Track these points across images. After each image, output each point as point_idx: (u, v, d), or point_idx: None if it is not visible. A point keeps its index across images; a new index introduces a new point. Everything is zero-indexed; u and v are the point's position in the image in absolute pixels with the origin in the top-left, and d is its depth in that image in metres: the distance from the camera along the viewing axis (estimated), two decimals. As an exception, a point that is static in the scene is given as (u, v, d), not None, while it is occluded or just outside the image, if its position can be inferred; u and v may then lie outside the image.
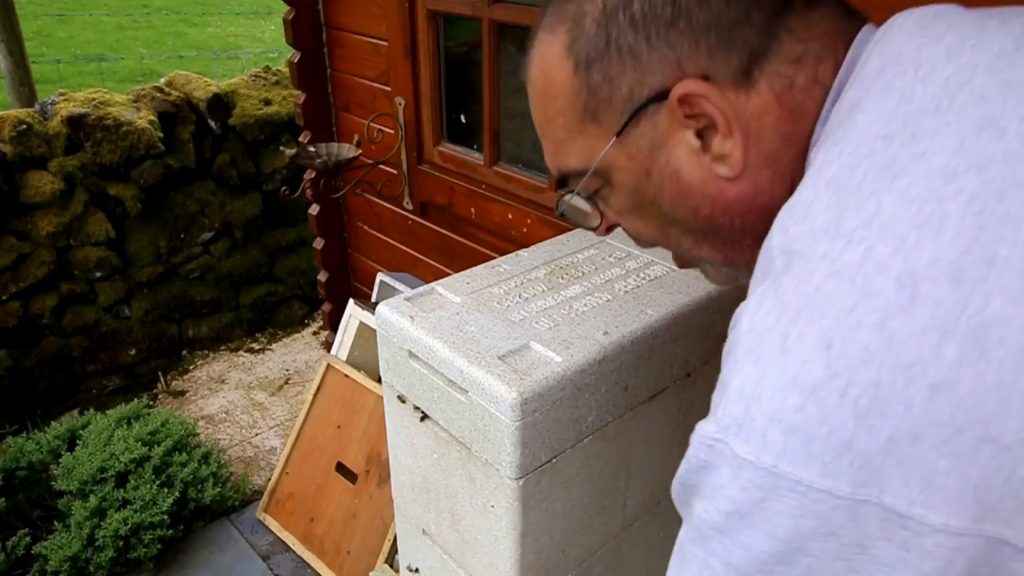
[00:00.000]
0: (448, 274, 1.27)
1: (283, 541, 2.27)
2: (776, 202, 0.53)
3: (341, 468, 2.20)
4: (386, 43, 2.08)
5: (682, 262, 0.70)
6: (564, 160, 0.65)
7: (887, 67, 0.51)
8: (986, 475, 0.40)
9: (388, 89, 2.14)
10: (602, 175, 0.62)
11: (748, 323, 0.47)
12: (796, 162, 0.56)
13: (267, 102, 3.29)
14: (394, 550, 1.95)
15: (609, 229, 0.69)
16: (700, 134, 0.56)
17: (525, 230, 1.84)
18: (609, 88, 0.57)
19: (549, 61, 0.60)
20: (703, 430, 0.49)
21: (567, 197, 0.67)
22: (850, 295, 0.43)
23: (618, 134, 0.58)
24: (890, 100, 0.49)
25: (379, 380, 1.41)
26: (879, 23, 0.57)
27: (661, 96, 0.56)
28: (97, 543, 2.10)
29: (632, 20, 0.55)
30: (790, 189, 0.53)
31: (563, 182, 0.66)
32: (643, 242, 0.68)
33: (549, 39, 0.60)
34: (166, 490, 2.22)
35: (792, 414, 0.43)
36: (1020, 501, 0.40)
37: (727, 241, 0.61)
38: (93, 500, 2.15)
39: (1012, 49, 0.47)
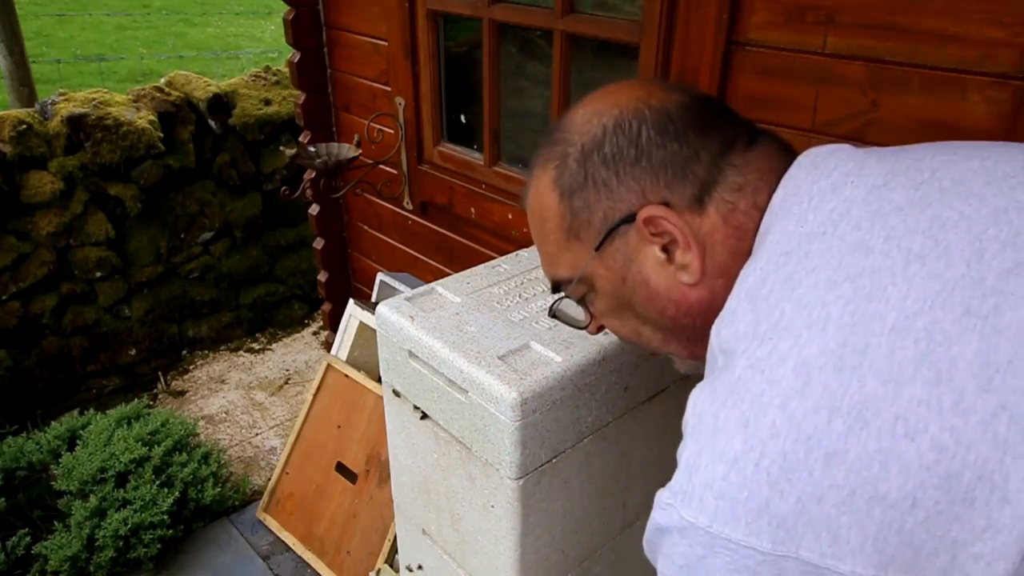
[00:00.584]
0: (448, 274, 1.27)
1: (283, 541, 2.27)
2: None
3: (341, 468, 2.20)
4: (386, 43, 2.08)
5: (652, 355, 0.83)
6: (555, 270, 0.76)
7: (788, 198, 0.62)
8: (880, 529, 0.47)
9: (388, 89, 2.14)
10: (586, 282, 0.73)
11: (691, 407, 0.57)
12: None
13: (267, 102, 3.29)
14: (394, 550, 1.95)
15: (599, 329, 0.80)
16: (665, 249, 0.67)
17: (525, 230, 1.84)
18: (588, 212, 0.69)
19: (541, 191, 0.72)
20: (660, 496, 0.56)
21: (558, 302, 0.81)
22: (760, 383, 0.53)
23: (597, 248, 0.70)
24: (790, 224, 0.60)
25: (379, 380, 1.41)
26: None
27: (630, 219, 0.67)
28: (97, 543, 2.10)
29: (604, 160, 0.67)
30: None
31: (556, 288, 0.77)
32: (622, 339, 0.78)
33: (541, 173, 0.72)
34: (166, 490, 2.22)
35: (720, 481, 0.51)
36: (915, 550, 0.47)
37: (690, 338, 0.71)
38: (93, 500, 2.15)
39: (881, 184, 0.59)
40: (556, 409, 0.98)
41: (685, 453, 0.55)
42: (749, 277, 0.60)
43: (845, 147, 0.66)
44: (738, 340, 0.57)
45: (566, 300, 0.79)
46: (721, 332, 0.60)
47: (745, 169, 0.66)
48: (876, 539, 0.47)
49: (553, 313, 0.82)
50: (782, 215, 0.61)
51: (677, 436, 1.29)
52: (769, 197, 0.64)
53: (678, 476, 0.55)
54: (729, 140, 0.68)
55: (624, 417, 1.11)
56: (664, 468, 1.27)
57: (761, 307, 0.57)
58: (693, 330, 0.70)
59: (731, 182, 0.66)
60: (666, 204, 0.66)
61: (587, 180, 0.68)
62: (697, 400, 0.57)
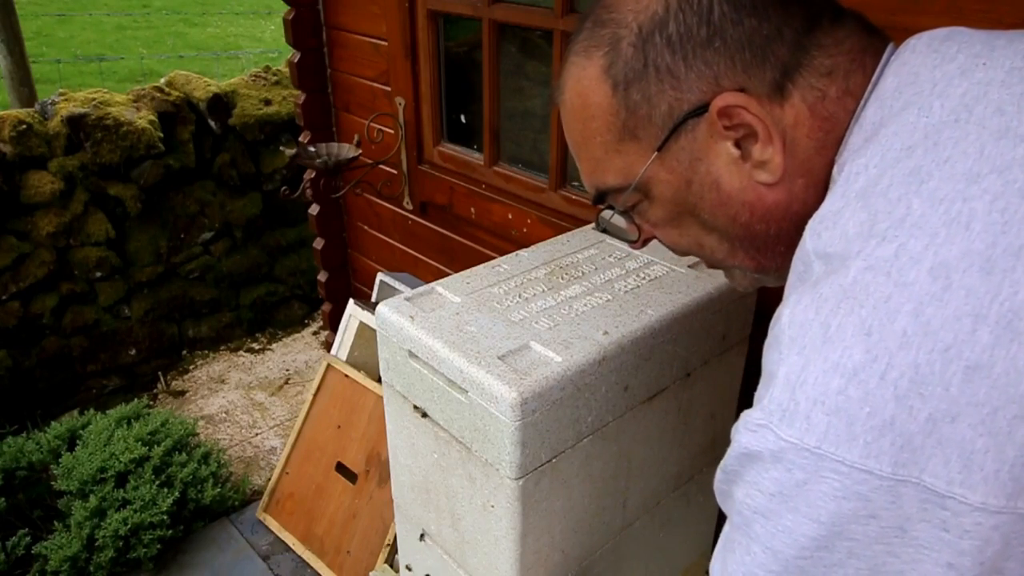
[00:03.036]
0: (448, 274, 1.27)
1: (283, 541, 2.27)
2: (808, 209, 0.57)
3: (341, 468, 2.20)
4: (386, 43, 2.08)
5: (713, 267, 0.73)
6: (602, 178, 0.67)
7: (904, 87, 0.55)
8: (1021, 453, 0.42)
9: (388, 89, 2.14)
10: (641, 190, 0.65)
11: (789, 318, 0.50)
12: (825, 171, 0.59)
13: (267, 102, 3.29)
14: (394, 550, 1.95)
15: (645, 242, 0.72)
16: (739, 144, 0.59)
17: (525, 230, 1.84)
18: (648, 107, 0.60)
19: (586, 84, 0.63)
20: (748, 417, 0.51)
21: (606, 214, 0.72)
22: (885, 286, 0.46)
23: (659, 149, 0.61)
24: (910, 115, 0.53)
25: (379, 380, 1.41)
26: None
27: (700, 110, 0.58)
28: (97, 543, 2.10)
29: (669, 42, 0.58)
30: (820, 197, 0.56)
31: (600, 198, 0.69)
32: (678, 251, 0.71)
33: (584, 63, 0.63)
34: (166, 490, 2.22)
35: (835, 396, 0.46)
36: None
37: (761, 248, 0.64)
38: (93, 500, 2.15)
39: (1022, 65, 0.52)
40: (556, 409, 0.98)
41: (782, 369, 0.49)
42: (859, 175, 0.52)
43: (964, 29, 0.59)
44: (848, 241, 0.50)
45: (614, 212, 0.70)
46: (822, 235, 0.52)
47: (834, 50, 0.58)
48: (1015, 465, 0.42)
49: (602, 227, 0.74)
50: (899, 107, 0.54)
51: (677, 436, 1.30)
52: (865, 83, 0.57)
53: (774, 394, 0.49)
54: (814, 15, 0.58)
55: (624, 417, 1.11)
56: (664, 468, 1.27)
57: (878, 204, 0.50)
58: (765, 238, 0.63)
59: (819, 65, 0.57)
60: (743, 91, 0.57)
61: (647, 68, 0.59)
62: (795, 310, 0.50)
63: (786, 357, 0.49)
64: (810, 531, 0.47)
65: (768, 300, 1.37)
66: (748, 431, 0.50)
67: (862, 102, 0.57)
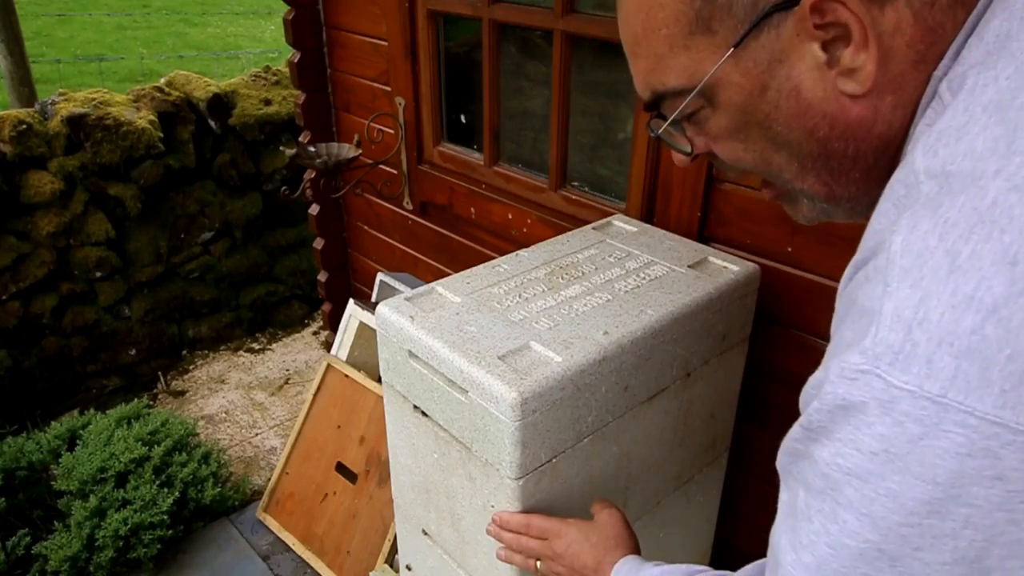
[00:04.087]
0: (448, 274, 1.27)
1: (283, 541, 2.27)
2: (893, 133, 0.52)
3: (341, 468, 2.20)
4: (386, 43, 2.08)
5: (775, 194, 0.65)
6: (661, 78, 0.59)
7: None
8: None
9: (388, 89, 2.14)
10: (706, 94, 0.58)
11: (902, 245, 0.43)
12: (918, 91, 0.52)
13: (267, 102, 3.29)
14: (394, 550, 1.95)
15: (698, 157, 0.64)
16: (825, 47, 0.52)
17: (525, 230, 1.84)
18: None
19: None
20: (845, 362, 0.44)
21: (656, 123, 0.62)
22: None
23: (735, 46, 0.54)
24: None
25: (379, 380, 1.41)
26: None
27: (790, 3, 0.51)
28: (97, 543, 2.10)
29: None
30: (907, 121, 0.51)
31: (655, 104, 0.61)
32: (739, 167, 0.62)
33: None
34: (166, 490, 2.22)
35: (967, 336, 0.39)
36: None
37: (836, 171, 0.57)
38: (93, 500, 2.15)
39: None
40: (556, 409, 0.98)
41: (889, 304, 0.42)
42: (987, 88, 0.46)
43: None
44: (979, 159, 0.44)
45: (669, 121, 0.61)
46: (939, 152, 0.46)
47: None
48: None
49: (657, 136, 0.63)
50: None
51: (678, 436, 1.29)
52: None
53: (880, 334, 0.42)
54: None
55: (624, 417, 1.11)
56: (664, 468, 1.27)
57: (1018, 120, 0.43)
58: (842, 159, 0.55)
59: None
60: None
61: None
62: (911, 236, 0.43)
63: (896, 290, 0.42)
64: (922, 494, 0.41)
65: (768, 300, 1.37)
66: (844, 379, 0.43)
67: (976, 12, 0.50)
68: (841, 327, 0.48)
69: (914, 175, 0.47)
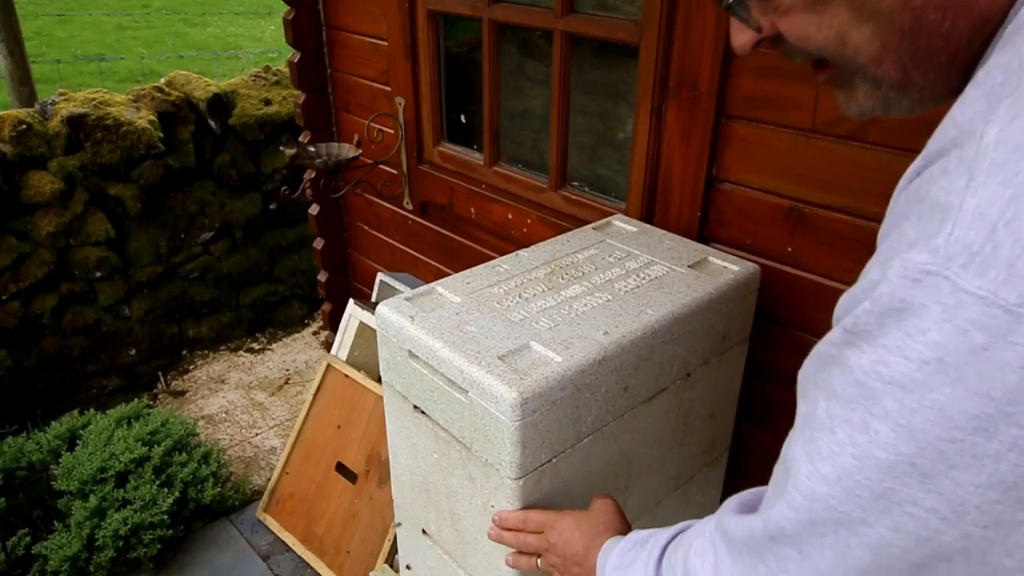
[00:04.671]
0: (448, 274, 1.27)
1: (283, 541, 2.27)
2: (995, 11, 0.46)
3: (341, 468, 2.20)
4: (386, 43, 2.08)
5: (830, 76, 0.57)
6: None
7: None
8: None
9: (388, 89, 2.14)
10: None
11: (998, 136, 0.39)
12: None
13: (267, 102, 3.29)
14: (394, 550, 1.95)
15: (755, 40, 0.57)
16: None
17: (525, 230, 1.84)
18: None
19: None
20: (909, 261, 0.40)
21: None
22: None
23: None
24: None
25: (379, 380, 1.41)
26: None
27: None
28: (97, 543, 2.10)
29: None
30: (1012, 1, 0.46)
31: None
32: (807, 48, 0.55)
33: None
34: (166, 490, 2.22)
35: None
36: None
37: (920, 52, 0.50)
38: (93, 500, 2.15)
39: None
40: (556, 409, 0.98)
41: (971, 200, 0.38)
42: None
43: None
44: None
45: None
46: None
47: None
48: None
49: (728, 4, 0.56)
50: None
51: (677, 436, 1.29)
52: None
53: (955, 231, 0.38)
54: None
55: (624, 417, 1.11)
56: (664, 468, 1.27)
57: None
58: (933, 37, 0.49)
59: None
60: None
61: None
62: (1009, 127, 0.39)
63: (983, 185, 0.38)
64: (972, 409, 0.38)
65: (768, 300, 1.37)
66: (906, 280, 0.39)
67: None
68: (902, 226, 0.43)
69: (1019, 61, 0.41)
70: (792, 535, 0.48)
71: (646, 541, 0.74)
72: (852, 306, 0.44)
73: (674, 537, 0.70)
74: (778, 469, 0.51)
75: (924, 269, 0.39)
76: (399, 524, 1.32)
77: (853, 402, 0.43)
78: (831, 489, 0.44)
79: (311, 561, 2.18)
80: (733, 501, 0.62)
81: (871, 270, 0.44)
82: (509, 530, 0.99)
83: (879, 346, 0.41)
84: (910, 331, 0.40)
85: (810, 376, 0.49)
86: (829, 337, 0.46)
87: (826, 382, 0.46)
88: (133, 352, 3.17)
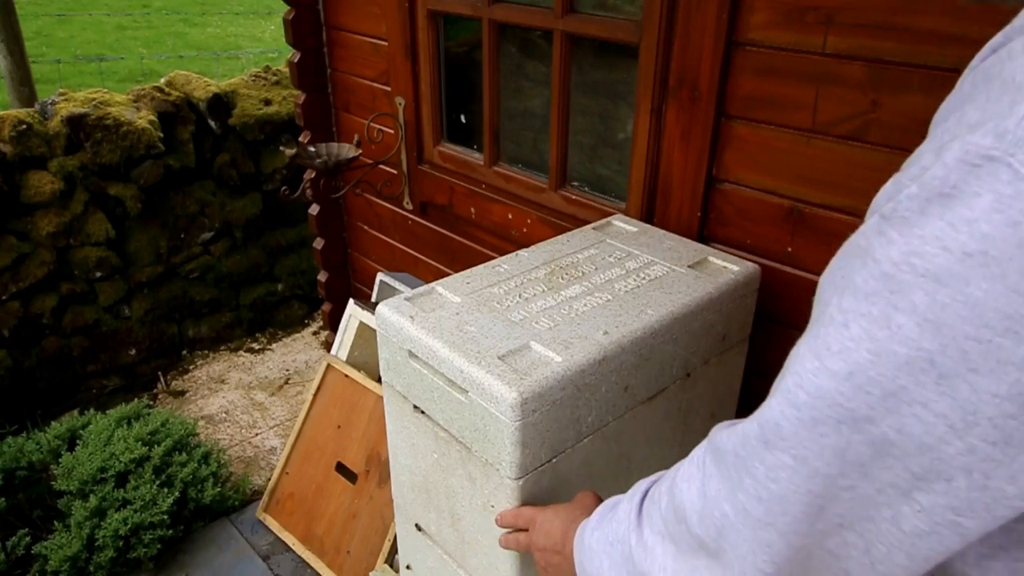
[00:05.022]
0: (448, 274, 1.27)
1: (283, 541, 2.27)
2: None
3: (341, 468, 2.20)
4: (386, 43, 2.08)
5: None
6: None
7: None
8: None
9: (388, 89, 2.14)
10: None
11: None
12: None
13: (267, 102, 3.29)
14: (394, 550, 1.95)
15: None
16: None
17: (525, 230, 1.84)
18: None
19: None
20: (970, 144, 0.37)
21: None
22: None
23: None
24: None
25: (379, 380, 1.41)
26: None
27: None
28: (97, 543, 2.10)
29: None
30: None
31: None
32: None
33: None
34: (166, 490, 2.22)
35: None
36: None
37: None
38: (93, 500, 2.15)
39: None
40: (556, 409, 0.98)
41: None
42: None
43: None
44: None
45: None
46: None
47: None
48: None
49: None
50: None
51: (677, 436, 1.29)
52: None
53: None
54: None
55: (624, 417, 1.11)
56: (664, 468, 1.27)
57: None
58: None
59: None
60: None
61: None
62: None
63: None
64: (1008, 308, 0.36)
65: (768, 300, 1.37)
66: (964, 164, 0.37)
67: None
68: (964, 108, 0.41)
69: None
70: (789, 436, 0.46)
71: (622, 497, 0.73)
72: (895, 193, 0.41)
73: (657, 480, 0.69)
74: (778, 382, 0.50)
75: (986, 154, 0.36)
76: (419, 527, 1.32)
77: (875, 295, 0.41)
78: (840, 386, 0.42)
79: (311, 561, 2.18)
80: (724, 422, 0.61)
81: (922, 156, 0.41)
82: (507, 528, 0.99)
83: (915, 236, 0.39)
84: (954, 221, 0.37)
85: (831, 275, 0.46)
86: (860, 229, 0.44)
87: (846, 278, 0.44)
88: (133, 352, 3.17)
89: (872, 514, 0.44)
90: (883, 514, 0.44)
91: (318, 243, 2.64)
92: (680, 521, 0.57)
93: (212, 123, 3.16)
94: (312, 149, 2.06)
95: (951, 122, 0.42)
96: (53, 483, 2.29)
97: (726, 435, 0.54)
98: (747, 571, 0.50)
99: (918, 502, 0.42)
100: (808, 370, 0.44)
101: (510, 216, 1.88)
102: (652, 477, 0.71)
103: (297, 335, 3.55)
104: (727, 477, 0.52)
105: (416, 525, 1.26)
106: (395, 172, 2.21)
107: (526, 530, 0.95)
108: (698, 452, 0.60)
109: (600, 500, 0.90)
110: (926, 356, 0.39)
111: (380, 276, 2.31)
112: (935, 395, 0.39)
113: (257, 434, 2.85)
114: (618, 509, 0.71)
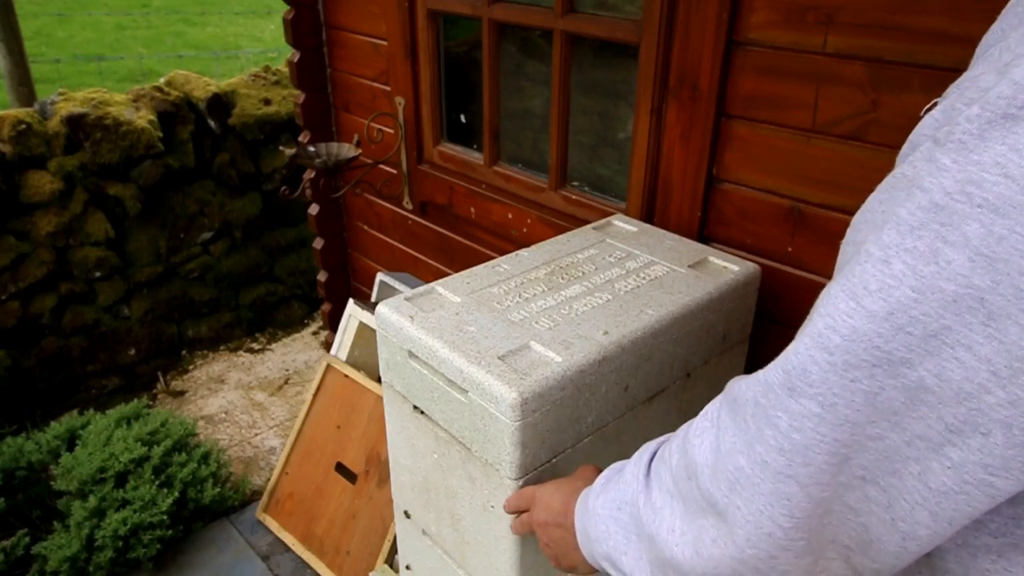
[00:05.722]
0: (448, 274, 1.27)
1: (283, 541, 2.27)
2: None
3: (341, 468, 2.20)
4: (386, 43, 2.08)
5: None
6: None
7: None
8: None
9: (388, 89, 2.14)
10: None
11: None
12: None
13: (267, 102, 3.29)
14: (394, 550, 1.95)
15: None
16: None
17: (525, 230, 1.84)
18: None
19: None
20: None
21: None
22: None
23: None
24: None
25: (379, 380, 1.41)
26: None
27: None
28: (96, 543, 2.10)
29: None
30: None
31: None
32: None
33: None
34: (166, 490, 2.22)
35: None
36: None
37: None
38: (92, 500, 2.15)
39: None
40: (556, 409, 0.98)
41: None
42: None
43: None
44: None
45: None
46: None
47: None
48: None
49: None
50: None
51: (677, 436, 1.28)
52: None
53: None
54: None
55: (624, 417, 1.11)
56: (664, 468, 1.27)
57: None
58: None
59: None
60: None
61: None
62: None
63: None
64: None
65: (769, 300, 1.37)
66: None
67: None
68: (1016, 32, 0.38)
69: None
70: (818, 382, 0.42)
71: (628, 461, 0.70)
72: (946, 119, 0.38)
73: (666, 441, 0.66)
74: (800, 332, 0.47)
75: None
76: (407, 515, 1.32)
77: (922, 228, 0.38)
78: (878, 327, 0.39)
79: (311, 561, 2.18)
80: (739, 376, 0.58)
81: (981, 78, 0.38)
82: (512, 513, 0.97)
83: (972, 162, 0.36)
84: (1019, 145, 0.34)
85: (869, 212, 0.43)
86: (908, 159, 0.40)
87: (887, 211, 0.41)
88: (132, 352, 3.17)
89: (898, 468, 0.42)
90: (910, 469, 0.41)
91: (318, 243, 2.64)
92: (691, 477, 0.54)
93: (212, 123, 3.16)
94: (312, 149, 2.06)
95: (1013, 40, 0.39)
96: (52, 483, 2.29)
97: (744, 384, 0.50)
98: (763, 525, 0.47)
99: (949, 458, 0.39)
100: (842, 311, 0.41)
101: (510, 216, 1.88)
102: (659, 439, 0.68)
103: (297, 335, 3.55)
104: (744, 429, 0.49)
105: (405, 512, 1.26)
106: (395, 172, 2.21)
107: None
108: (712, 407, 0.57)
109: (599, 469, 0.87)
110: (975, 294, 0.36)
111: (380, 276, 2.31)
112: (981, 337, 0.36)
113: (257, 434, 2.85)
114: (624, 472, 0.68)
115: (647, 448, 0.68)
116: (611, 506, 0.68)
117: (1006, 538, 0.42)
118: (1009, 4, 0.44)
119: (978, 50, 0.44)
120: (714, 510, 0.52)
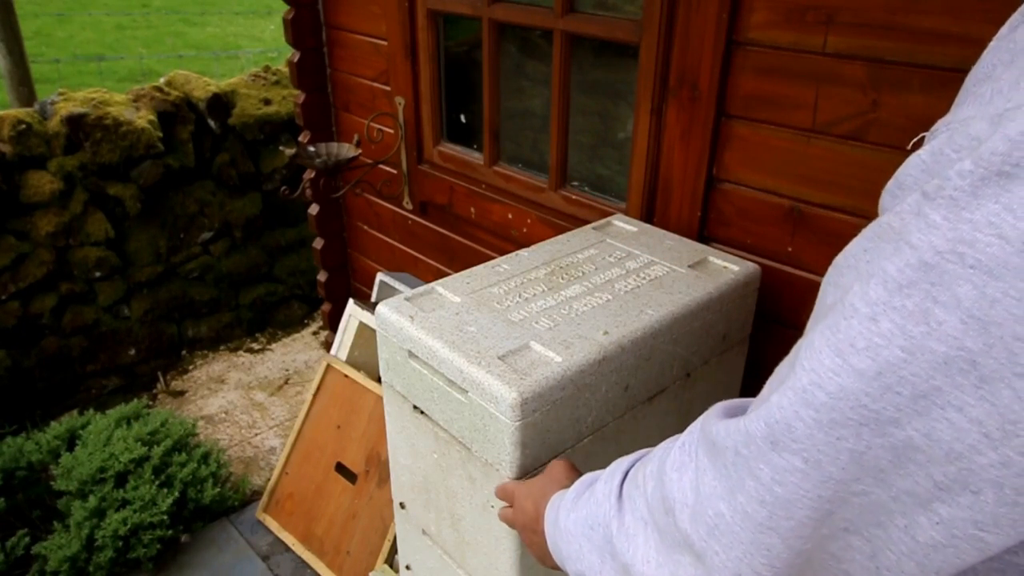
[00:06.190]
0: (448, 274, 1.27)
1: (283, 541, 2.27)
2: None
3: (341, 468, 2.20)
4: (386, 43, 2.08)
5: None
6: None
7: None
8: None
9: (388, 89, 2.14)
10: None
11: None
12: None
13: (267, 102, 3.29)
14: (394, 550, 1.95)
15: None
16: None
17: (525, 230, 1.84)
18: None
19: None
20: None
21: None
22: None
23: None
24: None
25: (379, 380, 1.41)
26: None
27: None
28: (96, 543, 2.10)
29: None
30: None
31: None
32: None
33: None
34: (166, 490, 2.22)
35: None
36: None
37: None
38: (92, 500, 2.15)
39: None
40: (556, 409, 0.98)
41: None
42: None
43: None
44: None
45: None
46: None
47: None
48: None
49: None
50: None
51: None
52: None
53: None
54: None
55: (624, 417, 1.11)
56: (664, 468, 1.27)
57: None
58: None
59: None
60: None
61: None
62: None
63: None
64: None
65: (769, 300, 1.37)
66: None
67: None
68: (1009, 72, 0.37)
69: None
70: (803, 438, 0.41)
71: (600, 474, 0.69)
72: (938, 167, 0.37)
73: (638, 460, 0.64)
74: (781, 368, 0.46)
75: None
76: (402, 506, 1.32)
77: (911, 286, 0.36)
78: (866, 386, 0.38)
79: (311, 561, 2.18)
80: (719, 407, 0.55)
81: (971, 123, 0.37)
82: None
83: (964, 220, 0.34)
84: (1013, 204, 0.33)
85: (853, 258, 0.42)
86: (895, 209, 0.39)
87: (873, 263, 0.39)
88: (132, 352, 3.17)
89: (883, 520, 0.41)
90: (896, 522, 0.41)
91: (318, 243, 2.64)
92: (668, 512, 0.54)
93: (212, 123, 3.16)
94: (312, 149, 2.06)
95: (1006, 81, 0.37)
96: (52, 483, 2.29)
97: (723, 430, 0.49)
98: (742, 572, 0.47)
99: (937, 513, 0.39)
100: (828, 368, 0.40)
101: (510, 216, 1.88)
102: (632, 456, 0.67)
103: (297, 335, 3.55)
104: (725, 475, 0.48)
105: (400, 504, 1.26)
106: (395, 172, 2.21)
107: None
108: (688, 439, 0.56)
109: (574, 468, 0.87)
110: (967, 356, 0.35)
111: (380, 276, 2.31)
112: (973, 399, 0.35)
113: (257, 434, 2.85)
114: (595, 489, 0.67)
115: (619, 465, 0.67)
116: (583, 524, 0.67)
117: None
118: (998, 37, 0.43)
119: (967, 82, 0.43)
120: (691, 550, 0.51)
